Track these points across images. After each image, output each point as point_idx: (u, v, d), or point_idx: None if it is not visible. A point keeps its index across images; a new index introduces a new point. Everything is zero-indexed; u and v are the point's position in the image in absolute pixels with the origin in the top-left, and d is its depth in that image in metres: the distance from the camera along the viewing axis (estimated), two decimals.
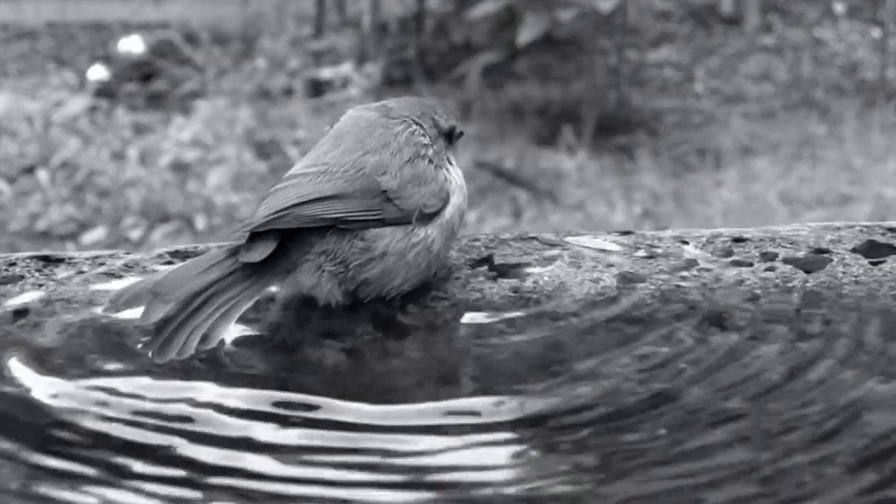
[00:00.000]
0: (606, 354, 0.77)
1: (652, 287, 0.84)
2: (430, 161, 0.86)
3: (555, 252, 0.89)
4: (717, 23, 5.13)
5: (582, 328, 0.80)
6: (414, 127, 0.86)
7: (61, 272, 0.87)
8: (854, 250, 0.87)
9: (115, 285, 0.85)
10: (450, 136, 0.89)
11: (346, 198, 0.81)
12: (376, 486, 0.65)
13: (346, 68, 4.40)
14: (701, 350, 0.77)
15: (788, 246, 0.88)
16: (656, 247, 0.89)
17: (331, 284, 0.82)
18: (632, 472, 0.65)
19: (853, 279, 0.84)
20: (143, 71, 4.52)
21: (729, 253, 0.88)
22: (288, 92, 4.37)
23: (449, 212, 0.85)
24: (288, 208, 0.79)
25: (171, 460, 0.66)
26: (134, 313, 0.76)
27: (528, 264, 0.87)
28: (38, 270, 0.86)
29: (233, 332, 0.80)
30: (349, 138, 0.85)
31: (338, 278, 0.81)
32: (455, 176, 0.87)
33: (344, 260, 0.81)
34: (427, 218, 0.83)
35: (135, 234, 3.51)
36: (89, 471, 0.65)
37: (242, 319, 0.81)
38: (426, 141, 0.86)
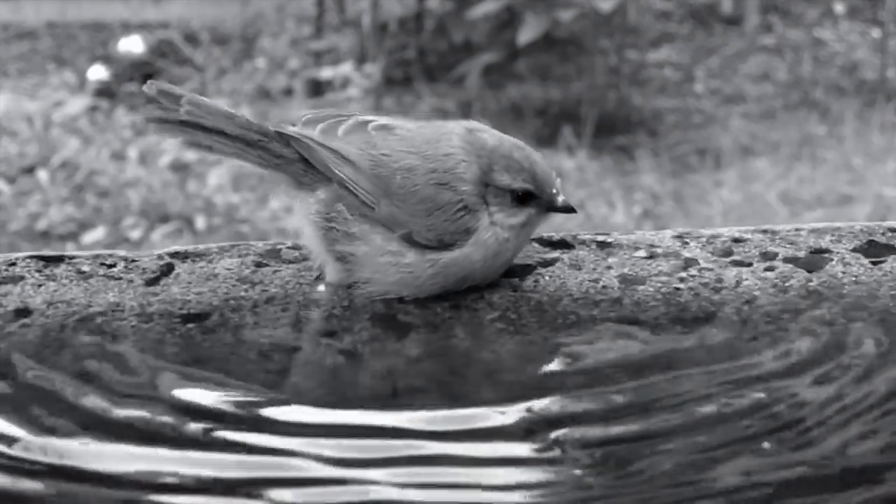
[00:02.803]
0: (608, 355, 0.77)
1: (652, 288, 0.84)
2: (462, 201, 0.82)
3: (555, 253, 0.89)
4: (717, 23, 5.12)
5: (583, 329, 0.80)
6: (464, 161, 0.82)
7: (61, 272, 0.86)
8: (854, 250, 0.87)
9: (115, 285, 0.85)
10: (521, 199, 0.82)
11: (359, 172, 0.82)
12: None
13: (346, 68, 4.40)
14: (701, 351, 0.77)
15: (788, 246, 0.88)
16: (656, 247, 0.89)
17: (321, 234, 0.83)
18: (633, 473, 0.65)
19: (853, 279, 0.84)
20: (143, 71, 4.51)
21: (729, 253, 0.88)
22: (288, 92, 4.37)
23: (450, 257, 0.82)
24: (315, 140, 0.83)
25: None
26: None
27: (529, 265, 0.87)
28: (39, 271, 0.86)
29: (231, 332, 0.80)
30: (417, 132, 0.84)
31: (323, 231, 0.83)
32: (488, 236, 0.82)
33: (329, 216, 0.82)
34: (413, 243, 0.81)
35: (135, 234, 3.51)
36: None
37: (240, 320, 0.81)
38: (465, 177, 0.82)
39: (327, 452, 0.67)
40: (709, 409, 0.70)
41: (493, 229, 0.82)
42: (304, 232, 0.85)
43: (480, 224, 0.82)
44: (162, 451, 0.67)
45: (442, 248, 0.82)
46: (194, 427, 0.69)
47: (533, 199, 0.82)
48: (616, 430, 0.69)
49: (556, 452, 0.67)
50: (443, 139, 0.83)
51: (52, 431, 0.69)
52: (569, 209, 0.83)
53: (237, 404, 0.72)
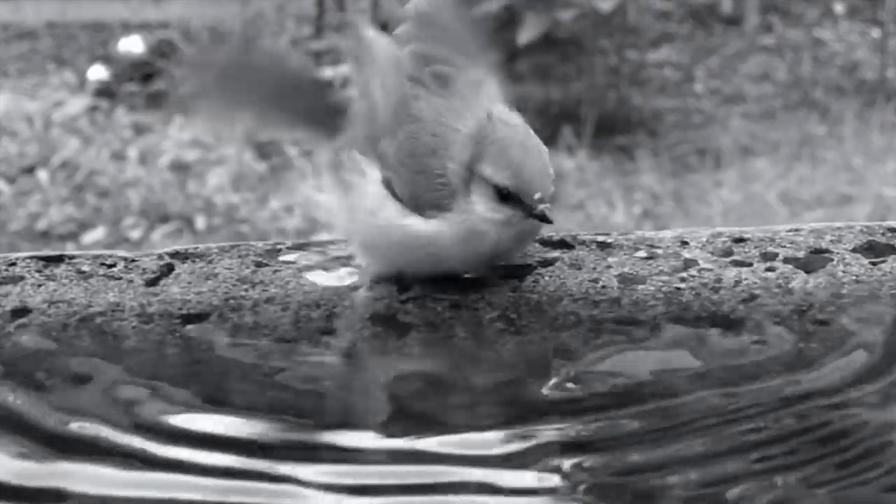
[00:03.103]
0: (608, 356, 0.77)
1: (652, 288, 0.84)
2: (445, 177, 0.79)
3: (556, 253, 0.89)
4: (717, 23, 5.12)
5: (583, 329, 0.80)
6: (462, 143, 0.80)
7: (61, 272, 0.86)
8: (854, 250, 0.87)
9: (115, 285, 0.85)
10: (503, 197, 0.78)
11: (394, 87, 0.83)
12: None
13: (346, 68, 4.39)
14: (701, 351, 0.77)
15: (788, 246, 0.88)
16: (656, 247, 0.89)
17: (338, 194, 0.84)
18: (638, 473, 0.64)
19: (853, 279, 0.84)
20: (143, 71, 4.51)
21: (729, 253, 0.88)
22: None
23: (421, 226, 0.80)
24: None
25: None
26: None
27: (529, 264, 0.87)
28: (39, 271, 0.86)
29: (230, 332, 0.80)
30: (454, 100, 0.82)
31: (336, 184, 0.83)
32: (461, 219, 0.79)
33: (338, 160, 0.83)
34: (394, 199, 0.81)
35: (135, 234, 3.51)
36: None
37: (240, 320, 0.81)
38: (455, 157, 0.79)
39: (323, 479, 0.64)
40: (738, 432, 0.67)
41: (470, 217, 0.79)
42: (336, 220, 0.85)
43: (457, 206, 0.79)
44: (149, 474, 0.65)
45: (416, 213, 0.80)
46: (182, 450, 0.67)
47: (515, 200, 0.78)
48: (632, 457, 0.66)
49: (566, 483, 0.64)
50: (463, 115, 0.81)
51: (27, 454, 0.66)
52: (544, 219, 0.78)
53: (228, 425, 0.69)
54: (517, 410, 0.72)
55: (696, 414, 0.69)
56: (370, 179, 0.82)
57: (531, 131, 0.80)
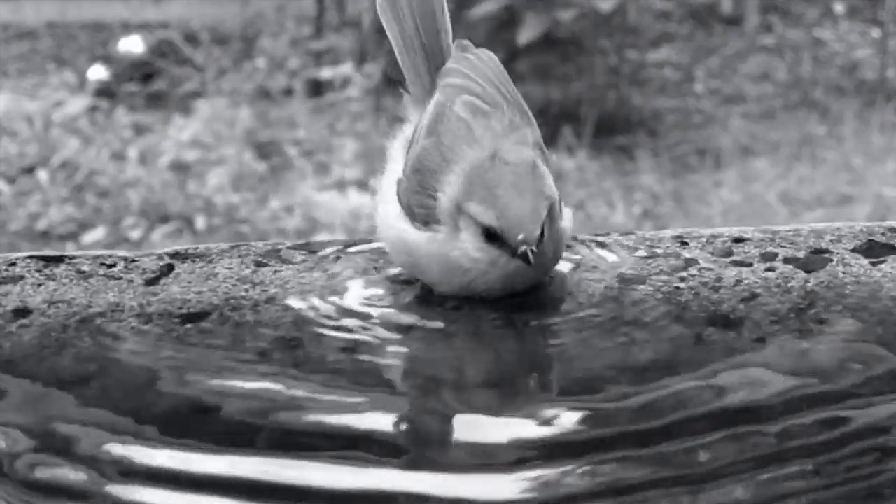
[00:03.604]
0: (608, 356, 0.77)
1: (652, 288, 0.84)
2: (435, 205, 0.80)
3: None
4: (717, 23, 5.12)
5: (583, 329, 0.80)
6: (458, 179, 0.80)
7: (61, 272, 0.86)
8: (854, 250, 0.87)
9: (115, 285, 0.85)
10: (489, 236, 0.78)
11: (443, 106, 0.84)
12: None
13: (346, 68, 4.40)
14: (701, 351, 0.77)
15: (788, 246, 0.88)
16: (656, 247, 0.89)
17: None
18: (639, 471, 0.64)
19: (853, 279, 0.84)
20: (143, 71, 4.52)
21: (729, 253, 0.88)
22: (288, 92, 4.37)
23: (410, 234, 0.82)
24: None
25: None
26: None
27: None
28: (38, 271, 0.86)
29: (230, 331, 0.80)
30: (479, 129, 0.82)
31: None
32: (447, 248, 0.80)
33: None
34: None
35: (135, 234, 3.51)
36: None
37: (240, 319, 0.81)
38: (447, 190, 0.80)
39: None
40: (795, 473, 0.63)
41: (454, 250, 0.79)
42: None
43: (444, 231, 0.80)
44: None
45: (411, 221, 0.82)
46: (163, 492, 0.63)
47: (500, 240, 0.78)
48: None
49: None
50: (476, 145, 0.81)
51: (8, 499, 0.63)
52: (526, 260, 0.77)
53: (217, 462, 0.65)
54: (537, 445, 0.67)
55: (732, 456, 0.64)
56: (393, 173, 0.85)
57: (535, 171, 0.79)
